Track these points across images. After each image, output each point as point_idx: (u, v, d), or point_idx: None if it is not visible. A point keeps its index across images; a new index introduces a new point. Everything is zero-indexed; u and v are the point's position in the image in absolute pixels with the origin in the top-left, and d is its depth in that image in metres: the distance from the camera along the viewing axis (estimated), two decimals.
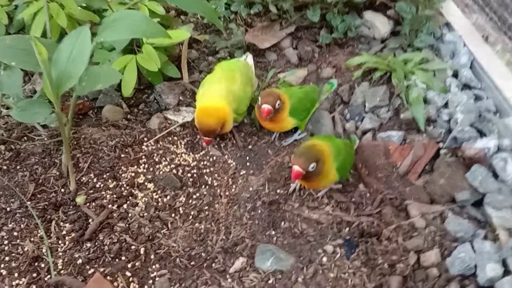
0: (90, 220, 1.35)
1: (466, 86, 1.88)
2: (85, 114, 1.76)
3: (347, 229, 1.40)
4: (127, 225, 1.35)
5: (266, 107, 1.48)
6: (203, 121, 1.52)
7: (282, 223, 1.41)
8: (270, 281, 1.26)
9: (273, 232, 1.39)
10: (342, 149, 1.44)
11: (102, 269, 1.24)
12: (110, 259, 1.27)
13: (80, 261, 1.26)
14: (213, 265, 1.30)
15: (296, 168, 1.28)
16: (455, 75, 1.92)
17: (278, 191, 1.51)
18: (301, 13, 2.08)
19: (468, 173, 1.52)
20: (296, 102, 1.61)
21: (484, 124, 1.67)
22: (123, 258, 1.28)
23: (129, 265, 1.27)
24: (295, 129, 1.70)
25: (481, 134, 1.66)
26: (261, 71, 1.98)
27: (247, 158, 1.63)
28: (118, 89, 1.78)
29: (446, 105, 1.80)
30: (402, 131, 1.74)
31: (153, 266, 1.27)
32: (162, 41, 1.72)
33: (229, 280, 1.26)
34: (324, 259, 1.32)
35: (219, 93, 1.58)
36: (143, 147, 1.59)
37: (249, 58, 1.84)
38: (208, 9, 1.70)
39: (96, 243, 1.30)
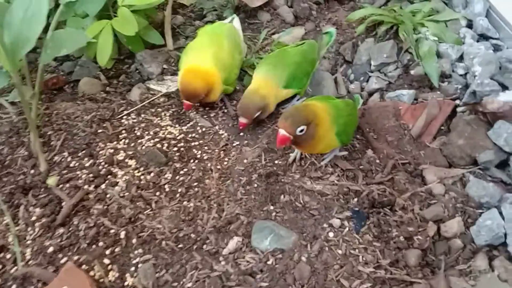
0: (63, 203, 1.19)
1: (482, 37, 1.69)
2: (60, 88, 1.59)
3: (356, 199, 1.23)
4: (105, 207, 1.19)
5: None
6: (188, 82, 1.36)
7: (282, 196, 1.25)
8: (269, 262, 1.10)
9: (272, 207, 1.22)
10: (342, 110, 1.25)
11: (76, 257, 1.09)
12: (85, 245, 1.12)
13: (51, 249, 1.10)
14: (204, 246, 1.14)
15: (282, 132, 1.10)
16: (469, 25, 1.73)
17: (276, 162, 1.34)
18: None
19: (490, 131, 1.34)
20: (294, 70, 1.42)
21: (506, 76, 1.47)
22: (100, 243, 1.12)
23: (108, 252, 1.11)
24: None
25: (503, 87, 1.47)
26: (254, 33, 1.79)
27: (240, 127, 1.45)
28: (96, 60, 1.60)
29: (461, 58, 1.61)
30: (413, 90, 1.55)
31: (136, 251, 1.12)
32: (140, 1, 1.53)
33: (223, 262, 1.10)
34: (331, 234, 1.15)
35: (207, 58, 1.40)
36: (123, 120, 1.43)
37: (235, 22, 1.64)
38: None
39: (70, 229, 1.15)
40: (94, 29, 1.53)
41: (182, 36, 1.80)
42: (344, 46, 1.72)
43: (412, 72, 1.57)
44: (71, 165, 1.29)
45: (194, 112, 1.48)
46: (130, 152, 1.33)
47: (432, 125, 1.47)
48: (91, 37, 1.50)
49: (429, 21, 1.67)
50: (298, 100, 1.54)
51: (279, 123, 1.13)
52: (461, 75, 1.57)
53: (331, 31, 1.60)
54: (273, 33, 1.79)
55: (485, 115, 1.37)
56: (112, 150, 1.33)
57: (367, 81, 1.63)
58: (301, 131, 1.11)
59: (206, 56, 1.39)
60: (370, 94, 1.60)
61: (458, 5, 1.79)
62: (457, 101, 1.50)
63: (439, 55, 1.60)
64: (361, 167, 1.33)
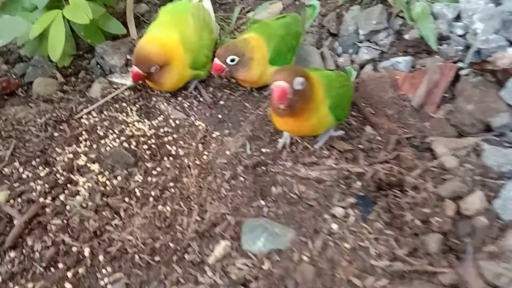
0: (14, 222, 1.00)
1: None
2: (12, 93, 1.40)
3: (359, 183, 1.06)
4: (64, 221, 1.00)
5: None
6: (142, 45, 1.18)
7: (273, 188, 1.07)
8: (265, 266, 0.92)
9: (263, 202, 1.04)
10: (334, 81, 1.08)
11: (31, 285, 0.90)
12: (42, 269, 0.93)
13: None
14: (186, 256, 0.95)
15: (279, 83, 0.91)
16: None
17: (263, 150, 1.17)
18: None
19: (503, 91, 1.18)
20: (278, 43, 1.24)
21: (511, 30, 1.31)
22: (60, 265, 0.93)
23: (70, 274, 0.92)
24: None
25: (510, 43, 1.30)
26: (227, 13, 1.61)
27: (220, 116, 1.28)
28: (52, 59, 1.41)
29: (458, 18, 1.44)
30: (409, 56, 1.39)
31: (104, 270, 0.93)
32: None
33: (209, 273, 0.92)
34: (334, 226, 0.98)
35: (170, 32, 1.23)
36: (83, 120, 1.24)
37: (206, 2, 1.46)
38: None
39: (23, 251, 0.96)
40: (44, 21, 1.34)
41: (147, 24, 1.62)
42: (327, 17, 1.54)
43: (406, 36, 1.41)
44: (24, 176, 1.10)
45: (165, 104, 1.30)
46: (93, 155, 1.14)
47: (435, 93, 1.31)
48: (41, 30, 1.32)
49: None
50: None
51: (273, 77, 0.93)
52: (460, 35, 1.40)
53: (314, 3, 1.43)
54: (248, 11, 1.61)
55: (495, 73, 1.21)
56: (71, 155, 1.14)
57: (357, 52, 1.46)
58: (301, 84, 0.92)
59: (169, 30, 1.22)
60: (362, 66, 1.43)
61: None
62: (460, 64, 1.34)
63: (434, 16, 1.43)
64: (360, 146, 1.16)
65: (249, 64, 1.18)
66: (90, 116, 1.25)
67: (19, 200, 1.05)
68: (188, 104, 1.31)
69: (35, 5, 1.41)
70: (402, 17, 1.45)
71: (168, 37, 1.20)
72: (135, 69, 1.17)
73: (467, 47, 1.37)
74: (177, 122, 1.26)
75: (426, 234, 0.96)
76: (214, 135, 1.23)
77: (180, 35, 1.22)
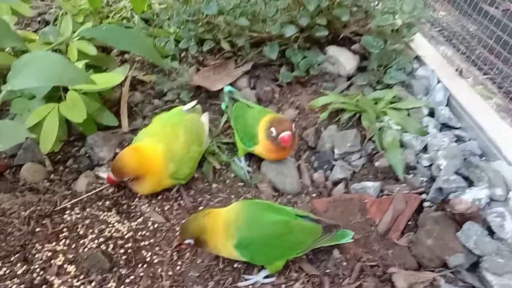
0: None
1: (445, 126, 1.68)
2: (0, 174, 1.44)
3: None
4: None
5: (286, 134, 1.37)
6: (120, 159, 1.27)
7: None
8: None
9: None
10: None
11: None
12: None
13: None
14: None
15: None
16: (432, 114, 1.73)
17: (235, 265, 1.22)
18: (258, 49, 1.87)
19: (460, 232, 1.28)
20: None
21: (471, 170, 1.45)
22: None
23: None
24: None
25: (469, 182, 1.44)
26: (215, 115, 1.72)
27: None
28: None
29: (425, 149, 1.58)
30: (378, 181, 1.50)
31: None
32: (92, 86, 1.44)
33: None
34: None
35: (153, 147, 1.32)
36: (66, 216, 1.28)
37: (204, 117, 1.54)
38: (146, 46, 1.45)
39: None
40: (40, 113, 1.42)
41: (140, 115, 1.71)
42: (307, 131, 1.67)
43: (376, 163, 1.53)
44: (1, 273, 1.12)
45: (146, 205, 1.36)
46: (70, 256, 1.18)
47: (399, 220, 1.41)
48: (35, 121, 1.39)
49: (391, 109, 1.66)
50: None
51: None
52: (426, 166, 1.53)
53: (228, 89, 1.64)
54: None
55: (453, 214, 1.32)
56: (50, 253, 1.18)
57: (331, 169, 1.57)
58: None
59: (155, 141, 1.32)
60: (335, 183, 1.54)
61: (420, 92, 1.80)
62: (424, 195, 1.46)
63: (403, 144, 1.57)
64: (327, 271, 1.23)
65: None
66: (73, 212, 1.29)
67: None
68: (169, 206, 1.37)
69: (34, 94, 1.49)
70: (375, 141, 1.58)
71: (151, 149, 1.30)
72: (110, 174, 1.27)
73: (432, 178, 1.50)
74: (156, 225, 1.31)
75: None
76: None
77: (166, 146, 1.31)
